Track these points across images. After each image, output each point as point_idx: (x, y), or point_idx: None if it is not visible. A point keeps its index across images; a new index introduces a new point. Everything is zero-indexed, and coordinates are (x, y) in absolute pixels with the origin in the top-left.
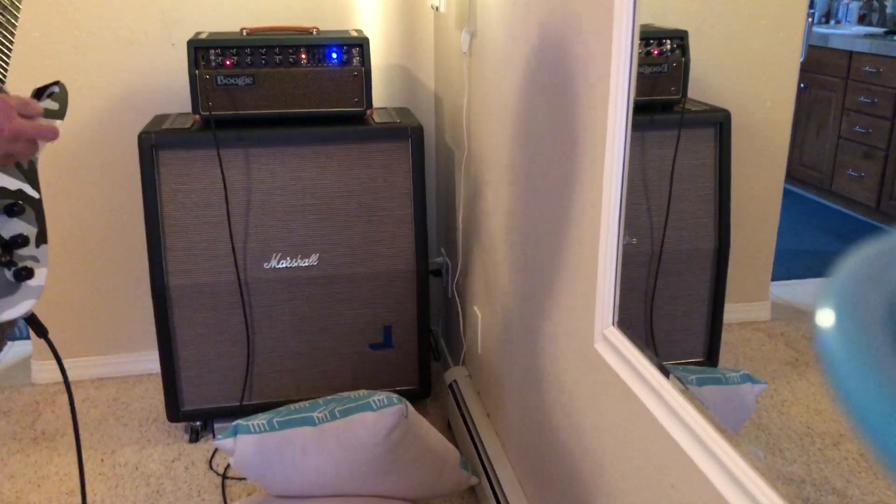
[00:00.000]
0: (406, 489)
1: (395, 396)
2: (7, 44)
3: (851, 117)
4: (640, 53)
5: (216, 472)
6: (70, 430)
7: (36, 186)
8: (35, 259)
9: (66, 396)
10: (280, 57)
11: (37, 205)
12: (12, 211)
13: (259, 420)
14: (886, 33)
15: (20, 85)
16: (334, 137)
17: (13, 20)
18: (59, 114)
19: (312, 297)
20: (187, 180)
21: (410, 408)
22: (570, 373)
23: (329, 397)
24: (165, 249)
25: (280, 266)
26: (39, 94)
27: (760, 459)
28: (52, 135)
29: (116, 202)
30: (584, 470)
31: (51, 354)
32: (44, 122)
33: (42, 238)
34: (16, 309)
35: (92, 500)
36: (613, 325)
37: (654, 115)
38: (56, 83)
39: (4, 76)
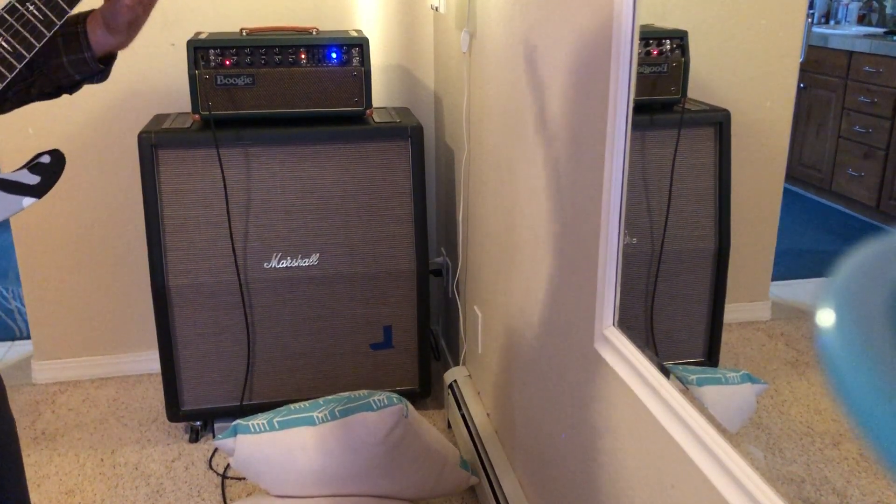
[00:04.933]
0: (406, 489)
1: (395, 396)
2: (33, 40)
3: (851, 117)
4: (640, 53)
5: (216, 472)
6: (70, 431)
7: None
8: None
9: (66, 396)
10: (280, 57)
11: None
12: None
13: (259, 420)
14: (886, 33)
15: None
16: (334, 137)
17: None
18: (35, 190)
19: (312, 297)
20: (187, 180)
21: (410, 408)
22: (570, 372)
23: (329, 397)
24: (165, 249)
25: (280, 266)
26: (26, 164)
27: (760, 459)
28: None
29: (116, 202)
30: (584, 470)
31: (51, 354)
32: None
33: None
34: None
35: (92, 500)
36: (614, 324)
37: (654, 115)
38: (50, 152)
39: None
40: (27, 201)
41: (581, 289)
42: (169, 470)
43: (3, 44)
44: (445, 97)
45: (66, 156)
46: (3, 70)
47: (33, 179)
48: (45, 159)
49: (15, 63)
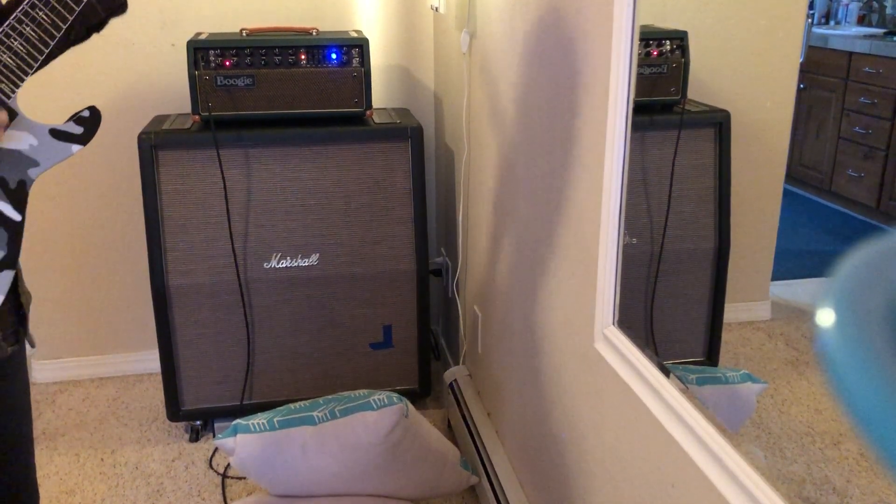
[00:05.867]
0: (406, 488)
1: (395, 396)
2: (34, 53)
3: (851, 118)
4: (639, 54)
5: (216, 472)
6: (71, 430)
7: (20, 209)
8: None
9: (66, 396)
10: (280, 58)
11: (14, 228)
12: None
13: (259, 419)
14: (886, 34)
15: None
16: (334, 138)
17: (52, 30)
18: (81, 138)
19: (312, 297)
20: (187, 180)
21: (410, 407)
22: (570, 372)
23: (329, 397)
24: (165, 249)
25: (280, 266)
26: (70, 118)
27: (760, 459)
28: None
29: (116, 202)
30: (584, 469)
31: (51, 354)
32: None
33: (8, 263)
34: None
35: (92, 500)
36: (613, 324)
37: (654, 116)
38: (89, 108)
39: (13, 90)
40: (75, 147)
41: (581, 288)
42: (169, 469)
43: None
44: (445, 97)
45: (67, 154)
46: (65, 14)
47: (78, 130)
48: (86, 113)
49: (74, 7)
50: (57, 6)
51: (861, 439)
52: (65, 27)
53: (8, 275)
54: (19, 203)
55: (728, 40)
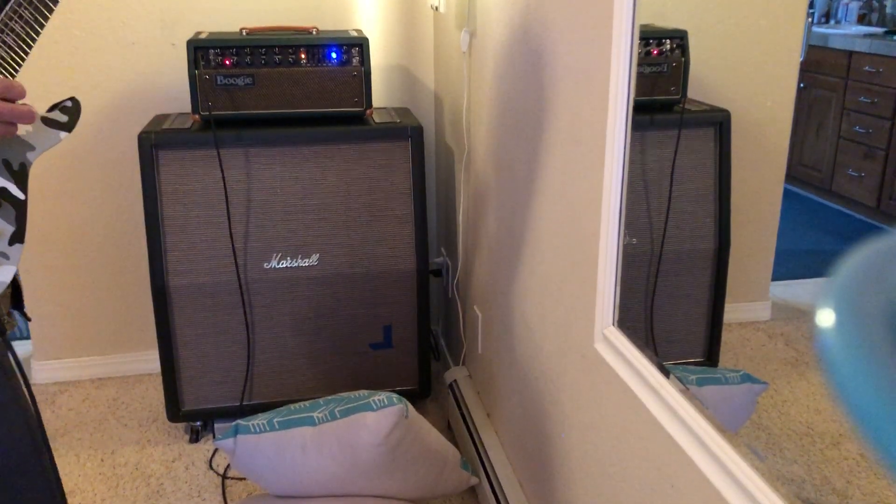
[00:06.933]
0: (406, 489)
1: (395, 396)
2: (24, 46)
3: (851, 117)
4: (639, 53)
5: (216, 472)
6: (70, 431)
7: (23, 188)
8: (3, 255)
9: (66, 396)
10: (280, 57)
11: (20, 205)
12: None
13: (259, 420)
14: (886, 33)
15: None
16: (334, 137)
17: (35, 25)
18: (66, 126)
19: (312, 297)
20: (187, 180)
21: (410, 408)
22: (570, 372)
23: (329, 397)
24: (165, 249)
25: (280, 266)
26: (54, 108)
27: (760, 459)
28: (29, 118)
29: (116, 202)
30: (584, 470)
31: (51, 354)
32: (23, 106)
33: (18, 238)
34: None
35: (92, 500)
36: (613, 324)
37: (654, 115)
38: (70, 98)
39: (13, 75)
40: (63, 134)
41: (581, 289)
42: (169, 470)
43: None
44: (445, 97)
45: (66, 155)
46: (45, 12)
47: (63, 118)
48: (68, 103)
49: (52, 6)
50: (38, 5)
51: (861, 440)
52: (45, 23)
53: (19, 248)
54: (22, 183)
55: (728, 40)
